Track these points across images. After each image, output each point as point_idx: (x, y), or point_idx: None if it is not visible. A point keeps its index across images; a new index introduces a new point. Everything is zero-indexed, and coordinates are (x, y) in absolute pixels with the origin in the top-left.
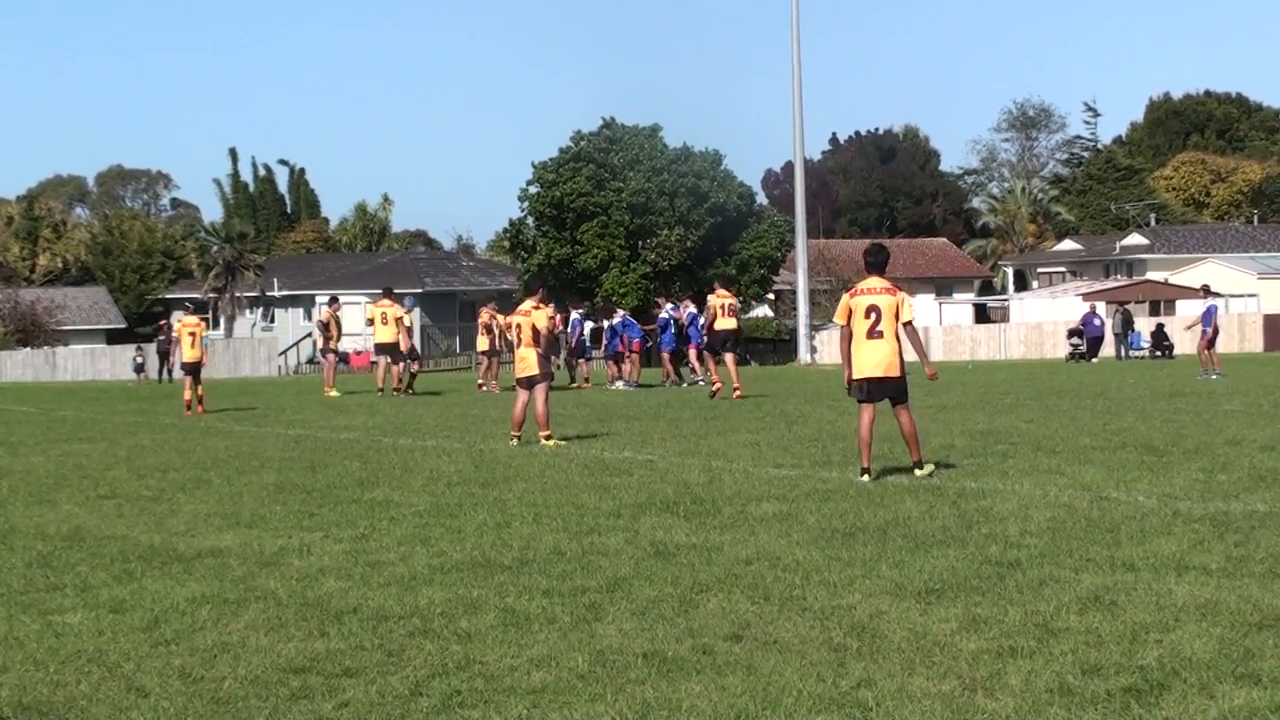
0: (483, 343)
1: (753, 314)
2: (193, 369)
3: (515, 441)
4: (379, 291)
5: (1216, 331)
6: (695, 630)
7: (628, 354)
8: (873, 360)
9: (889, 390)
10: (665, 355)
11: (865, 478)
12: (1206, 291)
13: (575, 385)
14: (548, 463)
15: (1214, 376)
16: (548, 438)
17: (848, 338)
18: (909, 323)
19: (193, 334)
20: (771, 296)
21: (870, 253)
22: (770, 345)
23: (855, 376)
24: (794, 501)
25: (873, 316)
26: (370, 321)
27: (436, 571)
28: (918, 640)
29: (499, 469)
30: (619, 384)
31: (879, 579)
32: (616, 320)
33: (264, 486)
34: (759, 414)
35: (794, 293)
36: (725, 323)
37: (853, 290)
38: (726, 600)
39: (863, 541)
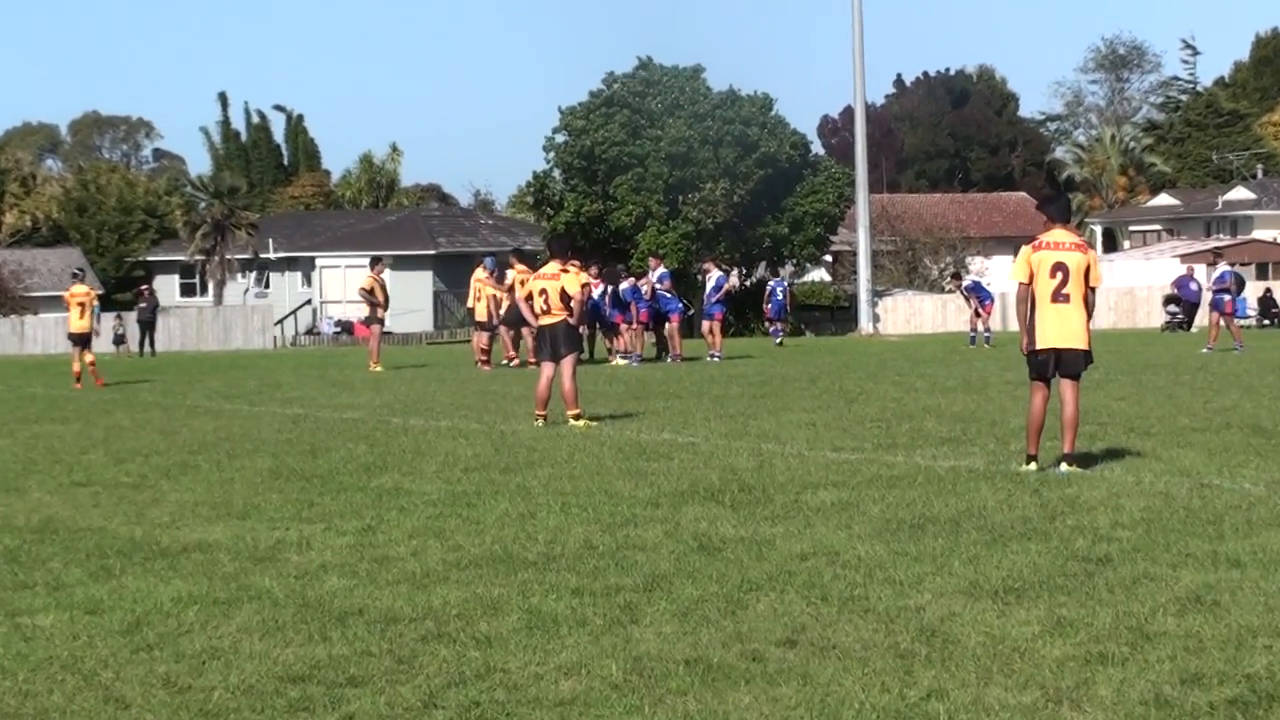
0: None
1: (807, 278)
2: (82, 339)
3: (540, 422)
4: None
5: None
6: (744, 634)
7: (632, 326)
8: (1058, 329)
9: (1071, 364)
10: (708, 324)
11: (1031, 466)
12: (1217, 255)
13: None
14: (577, 445)
15: (1236, 349)
16: (576, 417)
17: (1028, 299)
18: (1093, 289)
19: (81, 304)
20: (829, 258)
21: (1052, 201)
22: (827, 313)
23: (1036, 346)
24: (855, 489)
25: (1059, 276)
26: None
27: (452, 568)
28: (995, 646)
29: (522, 453)
30: (619, 359)
31: (951, 576)
32: (625, 286)
33: (258, 472)
34: (814, 391)
35: (854, 254)
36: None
37: (1035, 243)
38: (779, 600)
39: (933, 534)
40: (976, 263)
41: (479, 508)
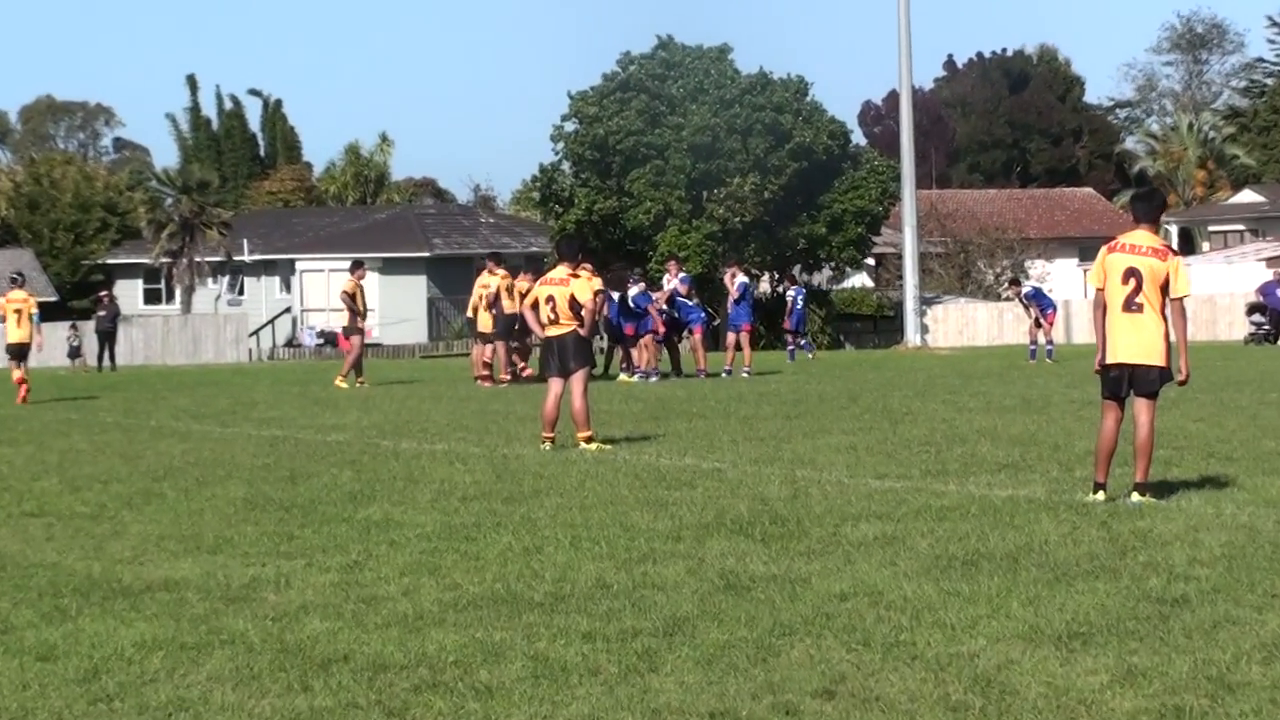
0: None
1: (847, 283)
2: (19, 352)
3: (548, 445)
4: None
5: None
6: (776, 684)
7: (644, 337)
8: (1129, 342)
9: (1145, 382)
10: (734, 336)
11: (1098, 496)
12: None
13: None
14: (588, 472)
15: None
16: (588, 440)
17: (1101, 307)
18: (1180, 300)
19: (19, 311)
20: (871, 262)
21: (1140, 199)
22: (869, 323)
23: (1106, 361)
24: (900, 521)
25: (1131, 283)
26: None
27: (449, 609)
28: (1058, 698)
29: (527, 480)
30: (631, 376)
31: (1008, 620)
32: (634, 292)
33: (231, 502)
34: (855, 411)
35: (899, 257)
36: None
37: (1111, 244)
38: (815, 646)
39: (988, 572)
40: (1037, 267)
41: (479, 542)
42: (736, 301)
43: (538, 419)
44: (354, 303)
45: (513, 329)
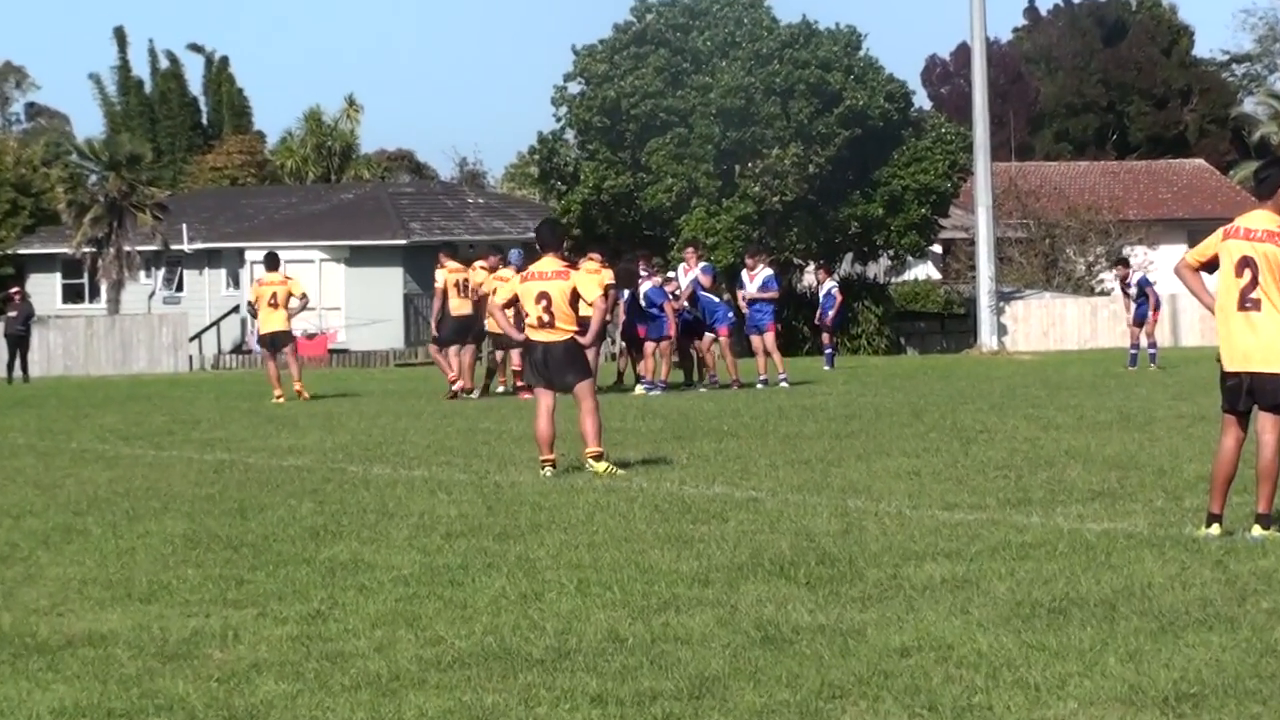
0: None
1: (908, 275)
2: None
3: (548, 470)
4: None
5: None
6: None
7: (662, 345)
8: (1245, 345)
9: (1269, 394)
10: (759, 341)
11: (1213, 529)
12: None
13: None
14: (598, 503)
15: None
16: (598, 457)
17: (1185, 274)
18: None
19: None
20: (937, 249)
21: (1262, 170)
22: (935, 323)
23: (1225, 368)
24: (974, 561)
25: (1246, 275)
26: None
27: (430, 668)
28: None
29: (524, 512)
30: (640, 387)
31: (1104, 679)
32: (647, 288)
33: (168, 539)
34: (919, 429)
35: (971, 243)
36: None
37: (1227, 229)
38: (871, 711)
39: (1079, 622)
40: (1137, 254)
41: (466, 587)
42: (751, 302)
43: (529, 440)
44: (255, 306)
45: (465, 333)
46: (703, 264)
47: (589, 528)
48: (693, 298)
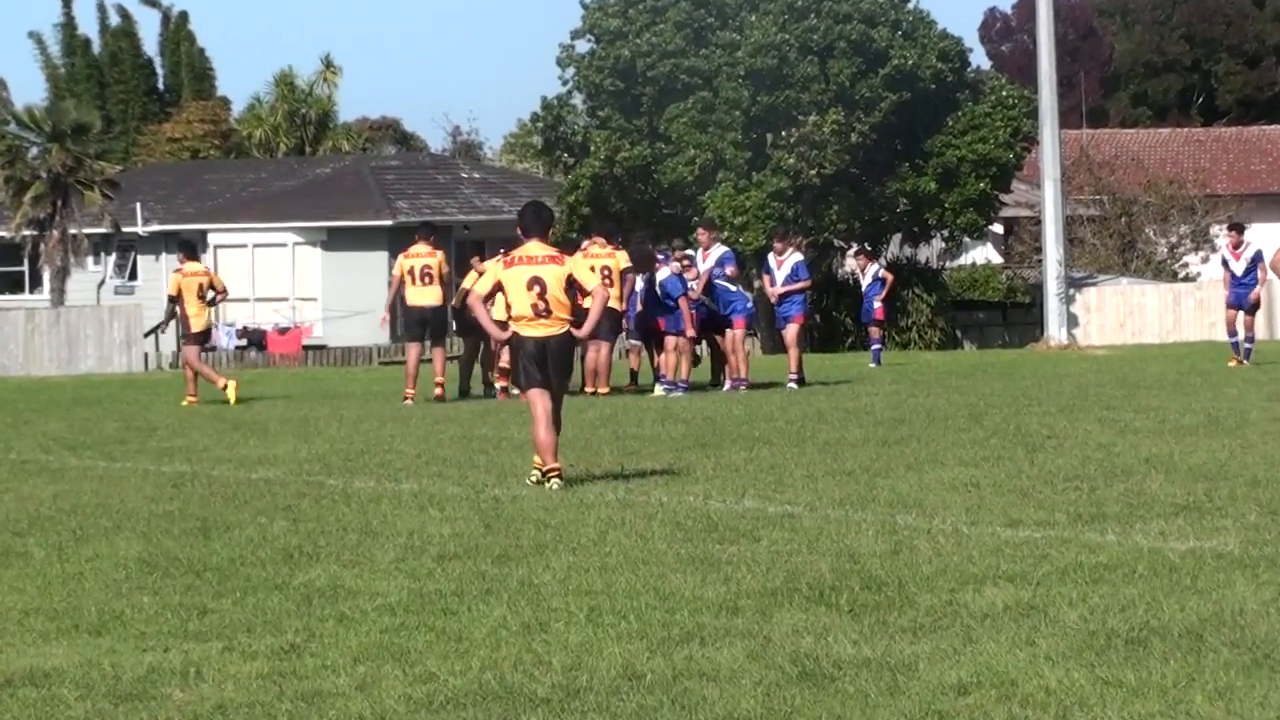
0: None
1: (965, 259)
2: None
3: (555, 482)
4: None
5: None
6: None
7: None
8: None
9: None
10: (791, 330)
11: None
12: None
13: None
14: (612, 520)
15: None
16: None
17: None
18: None
19: None
20: (998, 229)
21: None
22: (996, 313)
23: None
24: (1041, 585)
25: None
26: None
27: (420, 709)
28: None
29: (527, 531)
30: (659, 387)
31: (1190, 719)
32: (664, 275)
33: (121, 563)
34: (977, 434)
35: (1036, 222)
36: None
37: None
38: None
39: (1160, 654)
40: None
41: (461, 616)
42: (781, 297)
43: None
44: (174, 304)
45: (423, 327)
46: (724, 250)
47: (601, 548)
48: (708, 287)
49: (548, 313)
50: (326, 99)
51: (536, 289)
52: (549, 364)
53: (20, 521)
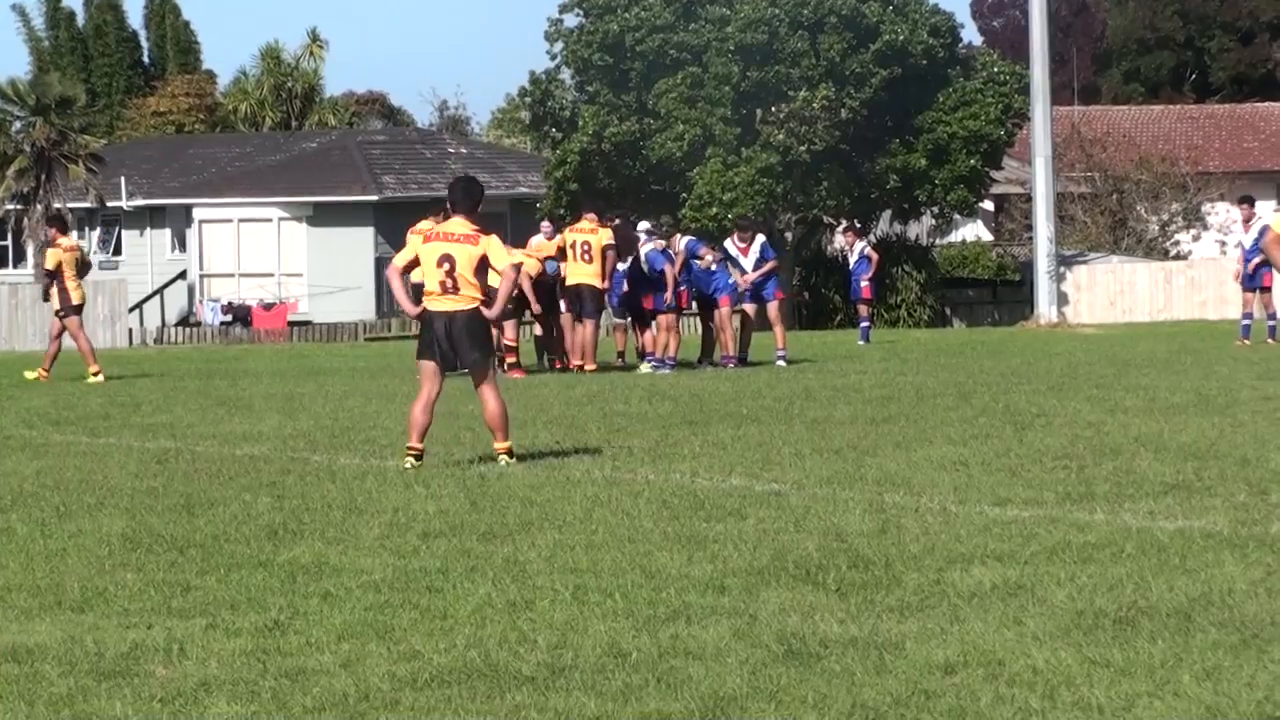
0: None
1: (955, 236)
2: None
3: (410, 461)
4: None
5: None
6: None
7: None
8: None
9: None
10: (775, 308)
11: None
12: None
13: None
14: (597, 497)
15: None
16: (508, 452)
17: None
18: None
19: None
20: (989, 206)
21: None
22: (986, 290)
23: None
24: (1029, 564)
25: None
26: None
27: (405, 686)
28: None
29: (513, 508)
30: (646, 364)
31: (1178, 699)
32: (648, 250)
33: (104, 539)
34: (966, 413)
35: (1027, 199)
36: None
37: None
38: None
39: (1149, 634)
40: (1218, 212)
41: (446, 594)
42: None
43: (526, 424)
44: (53, 277)
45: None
46: (688, 239)
47: (587, 526)
48: (684, 266)
49: (455, 290)
50: (313, 73)
51: (446, 266)
52: (453, 341)
53: (3, 498)
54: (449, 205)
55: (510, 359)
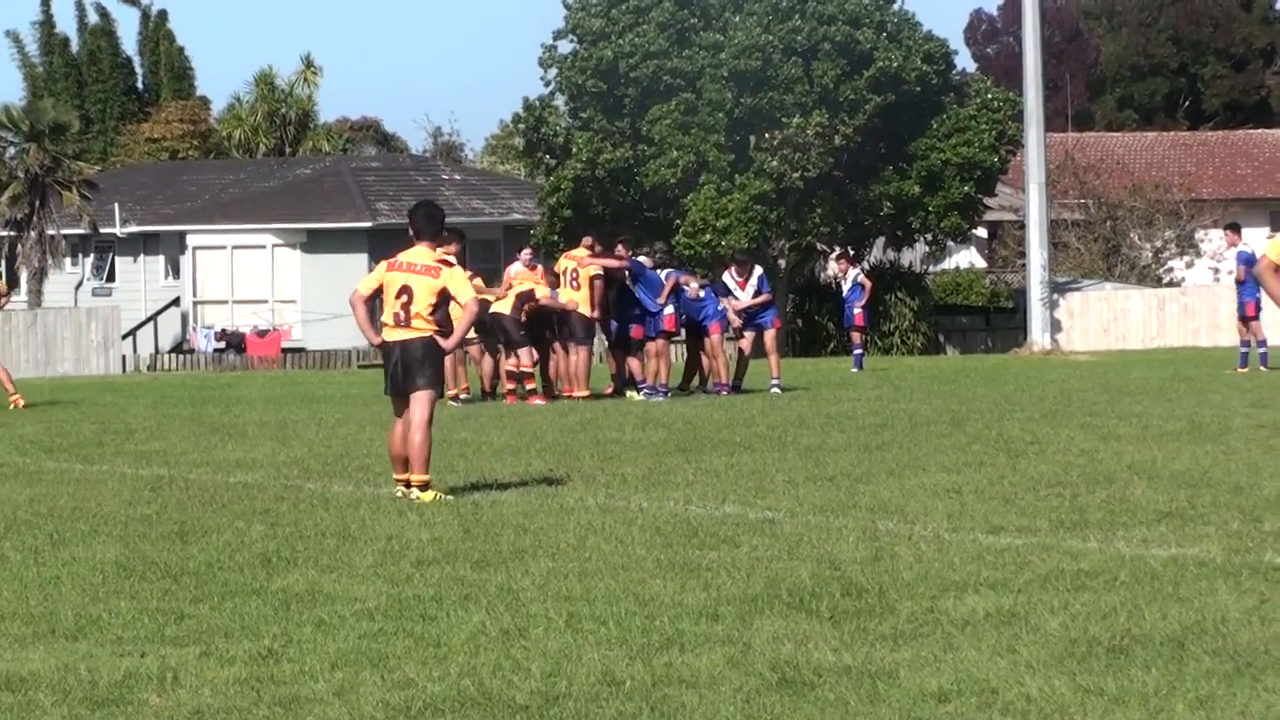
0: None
1: (948, 263)
2: None
3: (400, 490)
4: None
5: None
6: None
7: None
8: None
9: None
10: (771, 336)
11: None
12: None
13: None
14: (591, 525)
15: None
16: (424, 486)
17: (1271, 271)
18: None
19: None
20: (982, 233)
21: None
22: (979, 318)
23: None
24: (1022, 592)
25: None
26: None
27: (398, 715)
28: None
29: (507, 536)
30: (639, 393)
31: None
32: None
33: (98, 567)
34: (960, 440)
35: (1020, 226)
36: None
37: None
38: None
39: (1143, 662)
40: (1211, 239)
41: (440, 622)
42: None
43: (520, 451)
44: None
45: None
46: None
47: (580, 554)
48: (675, 295)
49: (406, 323)
50: (306, 99)
51: (404, 298)
52: (404, 367)
53: None
54: (412, 232)
55: (530, 384)
